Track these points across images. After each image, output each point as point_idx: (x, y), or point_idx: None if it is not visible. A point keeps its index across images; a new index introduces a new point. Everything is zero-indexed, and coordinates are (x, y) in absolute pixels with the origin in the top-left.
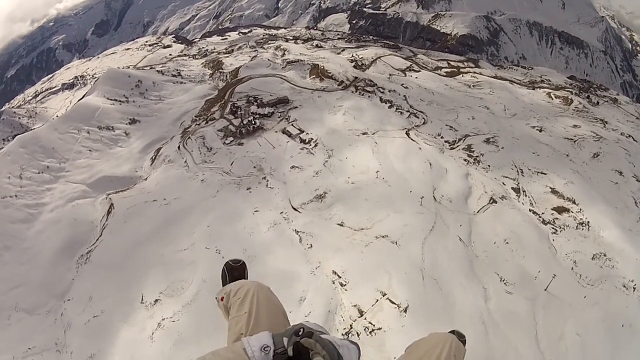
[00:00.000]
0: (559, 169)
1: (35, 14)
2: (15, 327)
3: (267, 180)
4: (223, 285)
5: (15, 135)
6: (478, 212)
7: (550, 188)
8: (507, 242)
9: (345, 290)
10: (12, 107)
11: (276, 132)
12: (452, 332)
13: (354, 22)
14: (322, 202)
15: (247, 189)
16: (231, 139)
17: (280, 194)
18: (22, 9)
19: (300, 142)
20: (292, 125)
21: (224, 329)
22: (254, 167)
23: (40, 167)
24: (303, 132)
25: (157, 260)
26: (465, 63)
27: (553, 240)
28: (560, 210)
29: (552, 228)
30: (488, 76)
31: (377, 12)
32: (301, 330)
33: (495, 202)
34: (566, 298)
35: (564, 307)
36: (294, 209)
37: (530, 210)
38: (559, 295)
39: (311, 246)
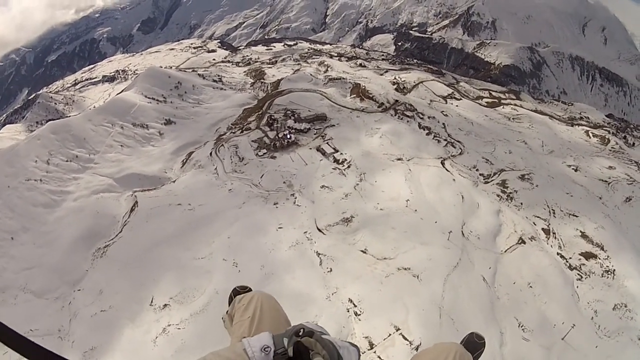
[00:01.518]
0: (591, 212)
1: (80, 3)
2: (20, 308)
3: (296, 198)
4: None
5: (49, 120)
6: (505, 251)
7: (581, 232)
8: (530, 286)
9: (359, 320)
10: (50, 92)
11: (310, 149)
12: (471, 334)
13: (400, 44)
14: (348, 225)
15: (274, 204)
16: (264, 151)
17: (307, 213)
18: None
19: (334, 162)
20: (327, 143)
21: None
22: (284, 182)
23: (69, 156)
24: (337, 151)
25: (173, 264)
26: (507, 94)
27: (577, 287)
28: (588, 256)
29: (578, 274)
30: (528, 109)
31: (423, 35)
32: (301, 330)
33: (524, 243)
34: (582, 349)
35: (579, 358)
36: (319, 229)
37: (558, 253)
38: (575, 346)
39: (331, 270)
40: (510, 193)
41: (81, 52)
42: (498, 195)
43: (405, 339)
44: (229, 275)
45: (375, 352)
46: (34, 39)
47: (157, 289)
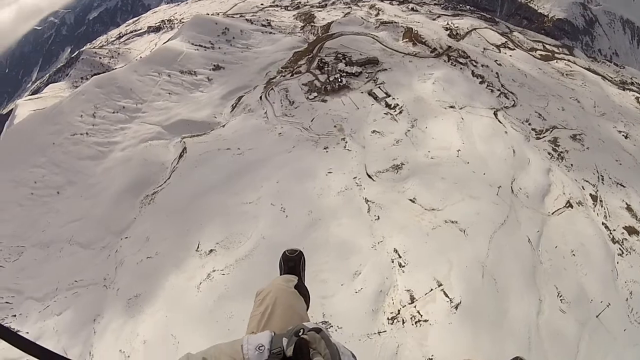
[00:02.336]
0: (639, 184)
1: None
2: (65, 260)
3: (346, 142)
4: (280, 274)
5: (94, 75)
6: (552, 214)
7: (627, 204)
8: (573, 254)
9: (403, 272)
10: (94, 47)
11: (362, 92)
12: (517, 357)
13: None
14: (398, 173)
15: (324, 149)
16: (315, 94)
17: (357, 158)
18: None
19: (385, 107)
20: (379, 87)
21: None
22: (335, 126)
23: (116, 107)
24: (389, 96)
25: (220, 210)
26: (560, 49)
27: (617, 262)
28: (631, 231)
29: (619, 249)
30: (581, 67)
31: None
32: (301, 330)
33: (571, 207)
34: (613, 330)
35: (609, 339)
36: (369, 176)
37: (603, 223)
38: (607, 326)
39: (378, 218)
40: (561, 152)
41: (124, 7)
42: (549, 153)
43: (446, 295)
44: (276, 220)
45: (415, 306)
46: (70, 1)
47: (203, 234)
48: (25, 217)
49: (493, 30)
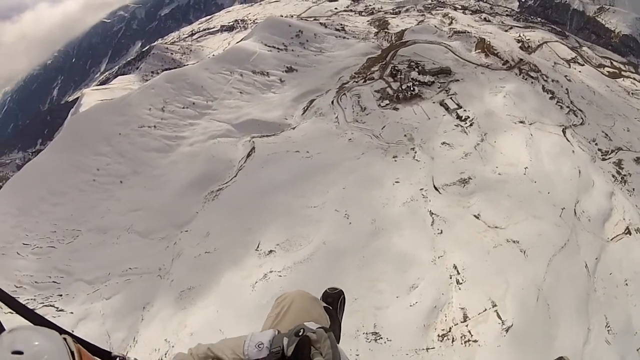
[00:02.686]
0: None
1: None
2: (121, 247)
3: (415, 152)
4: None
5: (165, 70)
6: (611, 240)
7: None
8: (626, 284)
9: (459, 289)
10: (165, 43)
11: (433, 102)
12: (561, 357)
13: (523, 0)
14: (464, 187)
15: (393, 157)
16: (387, 102)
17: (425, 169)
18: None
19: (456, 118)
20: (451, 98)
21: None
22: (405, 135)
23: (186, 103)
24: (461, 107)
25: (284, 211)
26: (626, 66)
27: None
28: None
29: None
30: None
31: None
32: (301, 330)
33: (629, 234)
34: None
35: None
36: (435, 188)
37: None
38: None
39: (441, 232)
40: (624, 176)
41: (196, 4)
42: (613, 176)
43: (499, 317)
44: (338, 226)
45: (467, 325)
46: None
47: (264, 234)
48: (84, 202)
49: (563, 44)
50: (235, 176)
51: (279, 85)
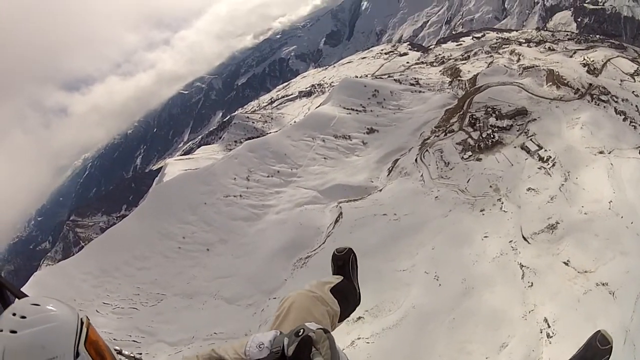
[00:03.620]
0: None
1: (256, 28)
2: (207, 312)
3: (502, 203)
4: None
5: (248, 139)
6: None
7: None
8: None
9: (549, 343)
10: (246, 112)
11: (515, 147)
12: (598, 332)
13: (579, 20)
14: (552, 233)
15: (481, 211)
16: (469, 153)
17: (513, 220)
18: (236, 25)
19: (539, 160)
20: (531, 140)
21: None
22: (490, 186)
23: (270, 171)
24: (541, 148)
25: (373, 276)
26: None
27: None
28: None
29: None
30: None
31: (597, 7)
32: (301, 330)
33: None
34: None
35: None
36: (524, 238)
37: None
38: None
39: (532, 285)
40: None
41: (272, 72)
42: None
43: None
44: (428, 288)
45: None
46: (214, 68)
47: None
48: (169, 267)
49: (623, 57)
50: (323, 243)
51: (362, 147)
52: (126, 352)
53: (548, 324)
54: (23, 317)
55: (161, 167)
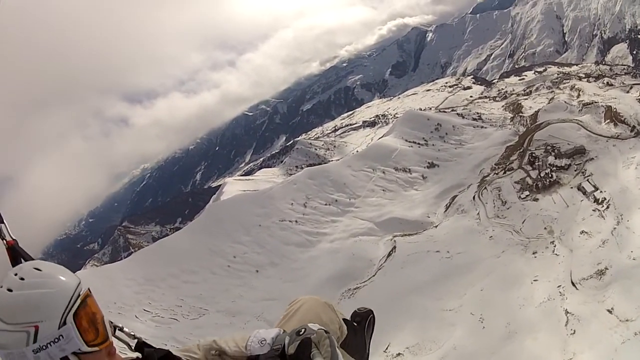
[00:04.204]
0: None
1: (323, 55)
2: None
3: (555, 246)
4: None
5: (310, 165)
6: None
7: None
8: None
9: None
10: (309, 138)
11: (571, 187)
12: None
13: (634, 52)
14: (600, 279)
15: (533, 254)
16: (527, 193)
17: (564, 264)
18: (302, 51)
19: (594, 202)
20: (587, 180)
21: None
22: (545, 227)
23: (328, 200)
24: (597, 189)
25: (419, 313)
26: None
27: None
28: None
29: None
30: None
31: None
32: (303, 330)
33: None
34: None
35: None
36: (573, 283)
37: None
38: None
39: (574, 333)
40: None
41: (337, 100)
42: None
43: None
44: (472, 330)
45: None
46: (279, 92)
47: (396, 336)
48: (216, 284)
49: None
50: (374, 275)
51: (421, 181)
52: (126, 330)
53: None
54: (22, 278)
55: (220, 185)
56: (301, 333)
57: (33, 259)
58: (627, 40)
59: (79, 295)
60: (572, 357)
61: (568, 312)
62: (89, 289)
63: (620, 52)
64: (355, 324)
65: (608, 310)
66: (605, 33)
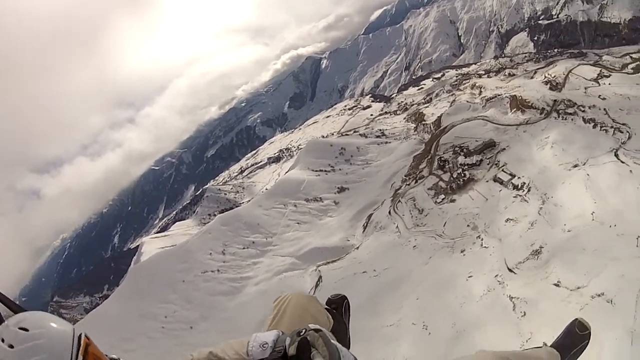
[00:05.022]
0: None
1: (220, 99)
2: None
3: (482, 239)
4: None
5: (222, 211)
6: None
7: None
8: None
9: None
10: (218, 184)
11: (487, 181)
12: (576, 319)
13: (535, 38)
14: (538, 258)
15: (461, 252)
16: (442, 196)
17: (496, 254)
18: (199, 98)
19: (513, 189)
20: (502, 170)
21: None
22: (468, 225)
23: (245, 243)
24: (514, 176)
25: (361, 335)
26: None
27: None
28: None
29: None
30: None
31: (551, 21)
32: (303, 330)
33: None
34: None
35: None
36: (509, 269)
37: None
38: None
39: (524, 314)
40: None
41: (239, 141)
42: None
43: None
44: (418, 339)
45: None
46: (182, 142)
47: None
48: (155, 348)
49: (584, 63)
50: None
51: (334, 207)
52: None
53: None
54: (11, 345)
55: (138, 245)
56: (302, 333)
57: (17, 305)
58: (527, 29)
59: (82, 337)
60: (530, 336)
61: (512, 297)
62: (84, 333)
63: (520, 41)
64: (334, 311)
65: (555, 284)
66: (502, 27)
